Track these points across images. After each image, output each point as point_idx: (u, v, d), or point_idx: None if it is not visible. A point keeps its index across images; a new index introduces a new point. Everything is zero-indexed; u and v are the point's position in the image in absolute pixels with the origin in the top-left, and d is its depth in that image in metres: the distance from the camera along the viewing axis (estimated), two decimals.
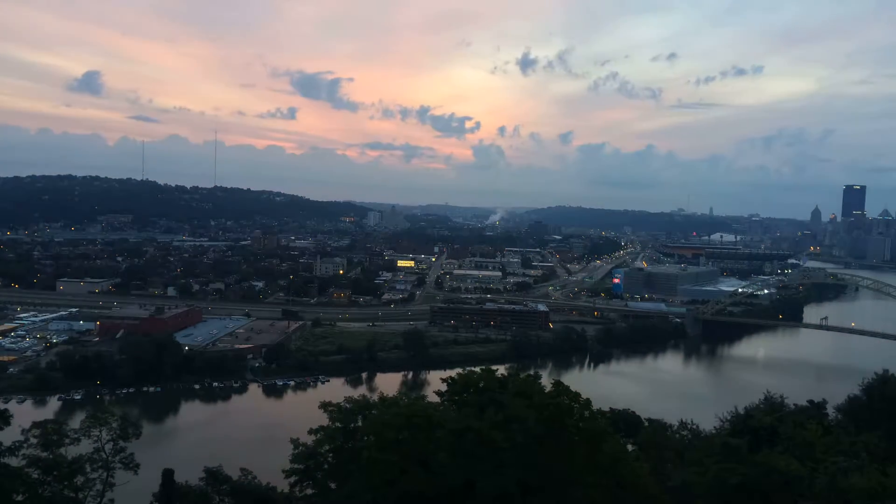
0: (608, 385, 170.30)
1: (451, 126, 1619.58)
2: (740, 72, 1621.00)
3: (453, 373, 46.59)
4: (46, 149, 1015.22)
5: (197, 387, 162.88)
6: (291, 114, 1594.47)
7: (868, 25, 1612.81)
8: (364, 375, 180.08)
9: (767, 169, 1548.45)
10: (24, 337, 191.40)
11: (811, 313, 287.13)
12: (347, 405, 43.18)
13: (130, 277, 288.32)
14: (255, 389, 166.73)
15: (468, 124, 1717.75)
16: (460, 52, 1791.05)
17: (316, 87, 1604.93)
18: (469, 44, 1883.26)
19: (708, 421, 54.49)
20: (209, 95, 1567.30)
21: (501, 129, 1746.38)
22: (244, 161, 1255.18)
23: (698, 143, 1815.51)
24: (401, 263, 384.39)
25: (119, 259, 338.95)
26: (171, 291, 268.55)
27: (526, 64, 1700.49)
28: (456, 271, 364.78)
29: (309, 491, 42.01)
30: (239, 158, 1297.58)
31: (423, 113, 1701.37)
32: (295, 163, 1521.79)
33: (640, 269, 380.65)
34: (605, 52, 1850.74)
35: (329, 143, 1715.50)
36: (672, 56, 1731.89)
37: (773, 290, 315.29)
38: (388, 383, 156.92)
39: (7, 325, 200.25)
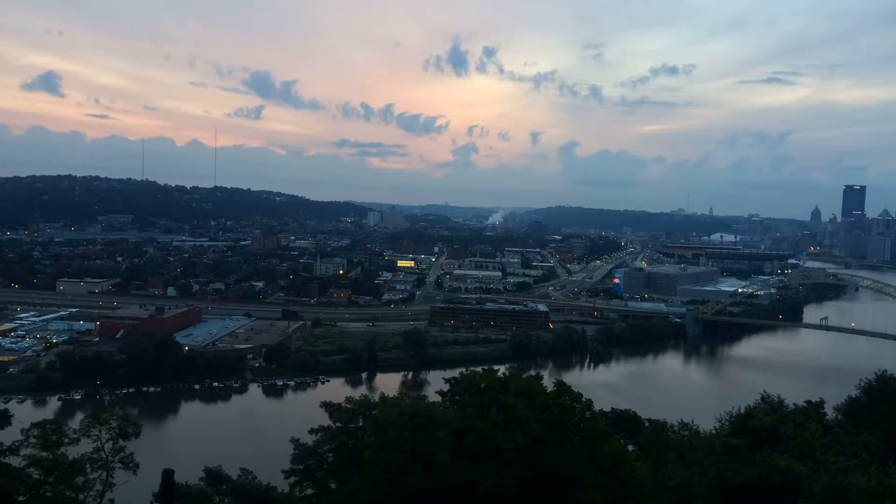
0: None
1: (425, 127, 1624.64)
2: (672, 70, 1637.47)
3: (454, 373, 46.65)
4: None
5: (197, 387, 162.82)
6: (258, 113, 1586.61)
7: (854, 38, 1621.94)
8: (364, 375, 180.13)
9: (766, 170, 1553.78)
10: (24, 337, 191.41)
11: (811, 313, 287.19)
12: (349, 405, 43.28)
13: (130, 277, 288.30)
14: (255, 389, 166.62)
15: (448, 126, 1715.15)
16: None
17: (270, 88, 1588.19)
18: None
19: (708, 421, 54.51)
20: (167, 95, 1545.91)
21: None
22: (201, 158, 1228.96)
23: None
24: (401, 263, 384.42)
25: (119, 259, 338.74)
26: (171, 291, 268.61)
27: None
28: (456, 271, 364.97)
29: (309, 491, 42.06)
30: (200, 155, 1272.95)
31: (389, 113, 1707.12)
32: (279, 161, 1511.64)
33: (640, 270, 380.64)
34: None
35: (298, 141, 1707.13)
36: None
37: (772, 291, 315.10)
38: (388, 383, 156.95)
39: (7, 325, 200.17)
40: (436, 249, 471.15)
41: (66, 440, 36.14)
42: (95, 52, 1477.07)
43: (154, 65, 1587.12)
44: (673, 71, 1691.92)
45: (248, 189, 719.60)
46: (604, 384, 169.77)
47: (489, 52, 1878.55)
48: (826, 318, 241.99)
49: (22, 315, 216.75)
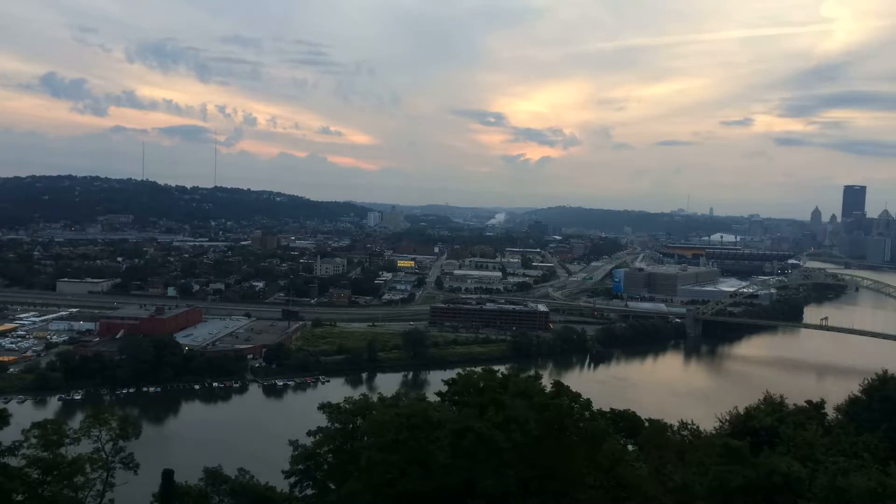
0: None
1: None
2: None
3: (453, 373, 46.64)
4: None
5: (197, 387, 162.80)
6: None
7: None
8: (364, 375, 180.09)
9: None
10: (24, 337, 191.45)
11: (811, 313, 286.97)
12: (347, 406, 43.23)
13: (130, 277, 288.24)
14: (255, 390, 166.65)
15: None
16: None
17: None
18: None
19: (708, 421, 54.41)
20: None
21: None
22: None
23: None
24: (401, 264, 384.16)
25: (119, 259, 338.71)
26: (171, 291, 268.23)
27: None
28: (456, 271, 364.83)
29: (309, 491, 42.01)
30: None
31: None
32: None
33: (641, 270, 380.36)
34: None
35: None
36: None
37: (772, 291, 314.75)
38: (388, 383, 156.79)
39: (7, 325, 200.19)
40: (436, 249, 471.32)
41: (67, 440, 36.05)
42: None
43: None
44: None
45: (249, 189, 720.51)
46: (604, 383, 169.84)
47: None
48: (826, 318, 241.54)
49: (22, 315, 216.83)
